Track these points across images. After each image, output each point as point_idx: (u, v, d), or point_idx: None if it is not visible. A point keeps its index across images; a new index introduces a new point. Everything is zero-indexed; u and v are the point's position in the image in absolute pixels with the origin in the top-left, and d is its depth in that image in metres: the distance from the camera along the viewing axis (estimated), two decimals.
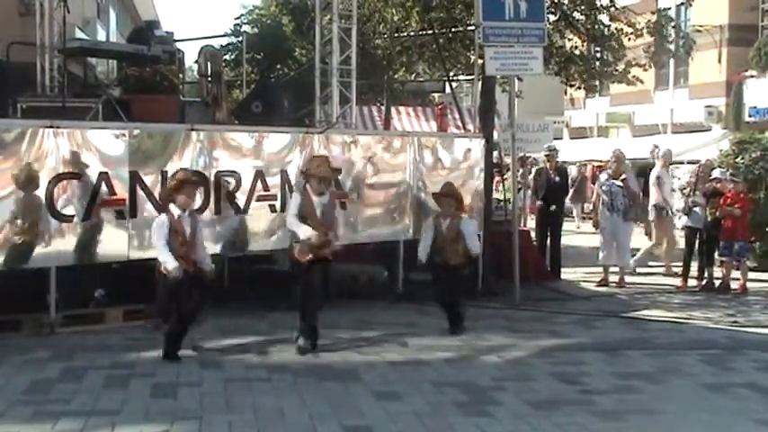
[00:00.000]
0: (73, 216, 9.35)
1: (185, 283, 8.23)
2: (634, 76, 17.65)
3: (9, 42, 12.87)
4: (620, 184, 14.11)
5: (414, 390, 7.56)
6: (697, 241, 14.17)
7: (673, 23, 19.09)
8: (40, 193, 9.12)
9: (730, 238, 13.66)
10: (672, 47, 18.21)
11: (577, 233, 21.52)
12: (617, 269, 14.34)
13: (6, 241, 8.95)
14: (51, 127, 9.26)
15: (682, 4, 33.28)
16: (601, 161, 23.16)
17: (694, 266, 14.35)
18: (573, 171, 27.58)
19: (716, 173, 14.70)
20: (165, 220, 8.31)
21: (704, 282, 14.05)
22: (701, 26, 30.71)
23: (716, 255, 13.97)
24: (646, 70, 17.95)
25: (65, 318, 9.48)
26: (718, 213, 13.80)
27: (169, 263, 8.10)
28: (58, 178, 9.24)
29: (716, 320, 11.55)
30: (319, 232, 8.85)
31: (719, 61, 32.08)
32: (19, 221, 9.00)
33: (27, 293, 9.49)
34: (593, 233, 15.97)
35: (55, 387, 7.35)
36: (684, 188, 15.72)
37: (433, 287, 10.35)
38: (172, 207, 8.34)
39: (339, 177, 11.17)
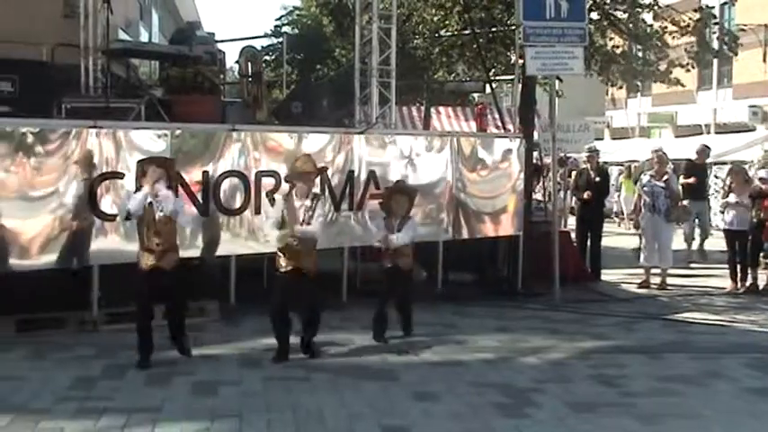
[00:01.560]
0: (115, 215, 9.45)
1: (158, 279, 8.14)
2: (675, 78, 17.49)
3: (54, 44, 13.03)
4: (663, 184, 13.98)
5: (452, 390, 7.56)
6: (737, 243, 14.02)
7: (716, 21, 18.89)
8: (84, 192, 9.23)
9: None
10: (716, 45, 18.03)
11: (618, 234, 21.33)
12: (658, 271, 14.21)
13: (51, 240, 9.07)
14: (95, 127, 9.39)
15: (725, 3, 32.88)
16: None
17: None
18: (614, 172, 27.44)
19: (762, 173, 14.50)
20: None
21: (748, 284, 13.89)
22: (744, 25, 30.34)
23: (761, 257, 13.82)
24: (688, 71, 17.79)
25: (107, 315, 9.59)
26: (762, 215, 13.63)
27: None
28: (101, 178, 9.35)
29: (760, 323, 11.40)
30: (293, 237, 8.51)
31: (764, 60, 31.57)
32: (64, 220, 9.12)
33: (70, 291, 9.61)
34: (634, 234, 15.84)
35: (98, 384, 7.45)
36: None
37: (385, 293, 9.64)
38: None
39: (377, 176, 11.19)
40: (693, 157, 17.16)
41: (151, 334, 8.17)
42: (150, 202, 8.02)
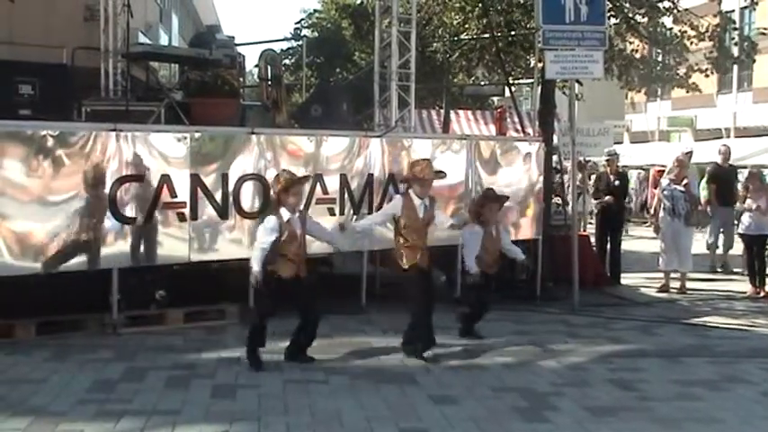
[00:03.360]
0: (135, 218, 9.50)
1: (296, 286, 8.41)
2: (694, 83, 17.42)
3: (74, 47, 13.11)
4: (683, 189, 13.95)
5: (471, 394, 7.55)
6: (755, 247, 13.96)
7: (735, 26, 18.80)
8: (104, 195, 9.28)
9: None
10: (735, 51, 17.94)
11: (637, 238, 21.26)
12: (678, 275, 14.16)
13: (71, 243, 9.12)
14: (115, 130, 9.42)
15: (746, 7, 32.72)
16: (663, 166, 22.84)
17: None
18: (633, 176, 27.33)
19: None
20: (275, 223, 8.24)
21: (764, 289, 13.83)
22: (765, 29, 30.16)
23: None
24: (707, 76, 17.71)
25: (127, 318, 9.64)
26: None
27: (256, 268, 8.15)
28: (120, 180, 9.40)
29: None
30: (422, 235, 8.92)
31: None
32: (83, 223, 9.17)
33: (90, 294, 9.67)
34: (653, 238, 15.78)
35: (117, 386, 7.47)
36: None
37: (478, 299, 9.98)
38: (282, 210, 8.32)
39: (397, 180, 11.20)
40: (719, 160, 16.92)
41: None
42: (288, 219, 8.27)
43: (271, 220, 8.26)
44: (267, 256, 8.15)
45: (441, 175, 9.48)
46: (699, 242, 15.78)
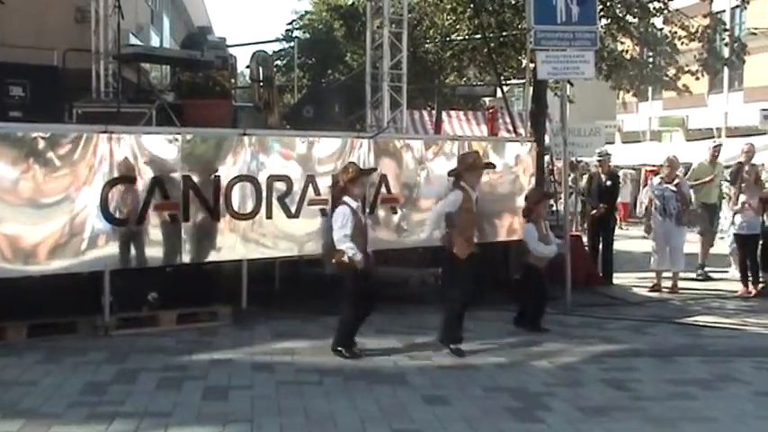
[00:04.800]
0: (127, 220, 9.48)
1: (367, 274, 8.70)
2: (684, 85, 17.46)
3: (65, 49, 13.08)
4: (674, 188, 13.98)
5: (464, 394, 7.55)
6: (748, 247, 13.99)
7: (726, 28, 18.84)
8: (96, 197, 9.26)
9: None
10: (726, 52, 17.98)
11: (629, 238, 21.30)
12: (670, 274, 14.19)
13: (62, 245, 9.10)
14: (106, 132, 9.41)
15: (736, 6, 32.79)
16: (653, 166, 22.95)
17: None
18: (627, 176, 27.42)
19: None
20: (347, 211, 8.57)
21: (759, 287, 13.86)
22: (756, 29, 30.25)
23: None
24: (698, 79, 17.75)
25: (119, 320, 9.61)
26: None
27: (355, 253, 8.47)
28: (112, 182, 9.38)
29: None
30: (474, 226, 9.33)
31: None
32: (75, 225, 9.15)
33: (82, 296, 9.64)
34: (644, 237, 15.81)
35: (109, 389, 7.45)
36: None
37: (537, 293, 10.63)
38: (348, 199, 8.64)
39: (389, 180, 11.22)
40: (742, 158, 16.82)
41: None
42: (356, 209, 8.66)
43: (343, 209, 8.62)
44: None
45: (490, 166, 9.94)
46: (692, 244, 15.78)
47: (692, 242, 15.67)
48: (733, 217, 14.40)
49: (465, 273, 9.15)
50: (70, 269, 9.22)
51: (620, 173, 27.69)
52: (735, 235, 14.45)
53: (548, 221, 10.84)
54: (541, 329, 10.34)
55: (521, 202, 12.39)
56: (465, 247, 9.07)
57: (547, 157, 14.56)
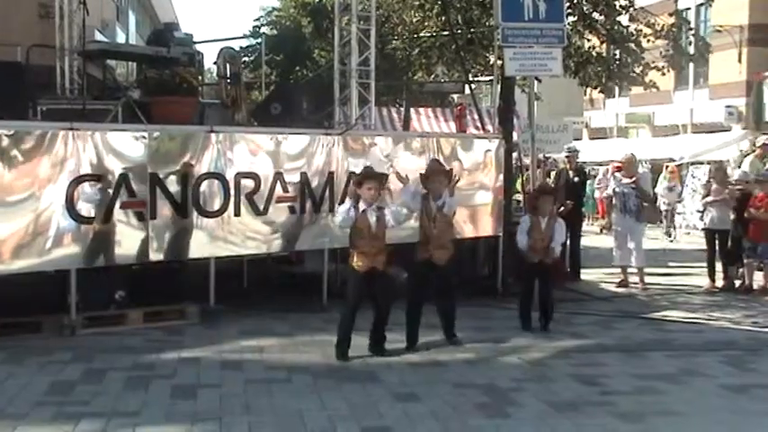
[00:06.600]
0: (93, 218, 9.39)
1: (371, 279, 8.71)
2: (651, 81, 17.58)
3: (29, 45, 12.94)
4: (633, 185, 14.06)
5: (433, 391, 7.55)
6: (717, 242, 14.12)
7: (690, 26, 19.02)
8: (61, 195, 9.16)
9: (755, 240, 13.60)
10: (691, 49, 18.11)
11: (597, 234, 21.42)
12: (636, 270, 14.27)
13: (27, 244, 9.00)
14: (71, 129, 9.31)
15: (701, 4, 33.05)
16: (621, 162, 23.08)
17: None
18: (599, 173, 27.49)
19: (738, 173, 14.56)
20: (348, 204, 8.81)
21: (725, 282, 13.99)
22: (720, 26, 30.54)
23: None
24: (663, 74, 17.88)
25: (85, 319, 9.53)
26: (746, 215, 13.70)
27: (344, 206, 8.85)
28: (77, 180, 9.29)
29: (736, 321, 11.47)
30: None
31: (739, 61, 31.78)
32: (40, 223, 9.05)
33: (48, 295, 9.55)
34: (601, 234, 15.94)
35: (76, 388, 7.38)
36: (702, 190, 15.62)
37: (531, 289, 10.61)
38: (360, 201, 8.76)
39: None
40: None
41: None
42: (364, 210, 8.74)
43: (345, 204, 8.89)
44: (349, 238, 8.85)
45: (449, 173, 9.81)
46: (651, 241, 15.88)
47: (651, 238, 15.78)
48: (702, 213, 14.51)
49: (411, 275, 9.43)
50: (35, 268, 9.13)
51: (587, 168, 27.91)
52: (704, 230, 14.58)
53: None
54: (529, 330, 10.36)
55: (488, 199, 12.46)
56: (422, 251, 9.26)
57: (515, 154, 14.55)
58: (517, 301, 10.77)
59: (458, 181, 9.95)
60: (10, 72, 12.28)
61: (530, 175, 13.29)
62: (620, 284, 14.22)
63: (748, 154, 16.64)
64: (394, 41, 20.25)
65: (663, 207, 24.37)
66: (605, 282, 14.64)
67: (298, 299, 11.19)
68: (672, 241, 22.53)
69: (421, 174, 9.55)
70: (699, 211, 14.61)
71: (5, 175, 8.85)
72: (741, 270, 14.02)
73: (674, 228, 23.81)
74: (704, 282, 14.18)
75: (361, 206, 8.74)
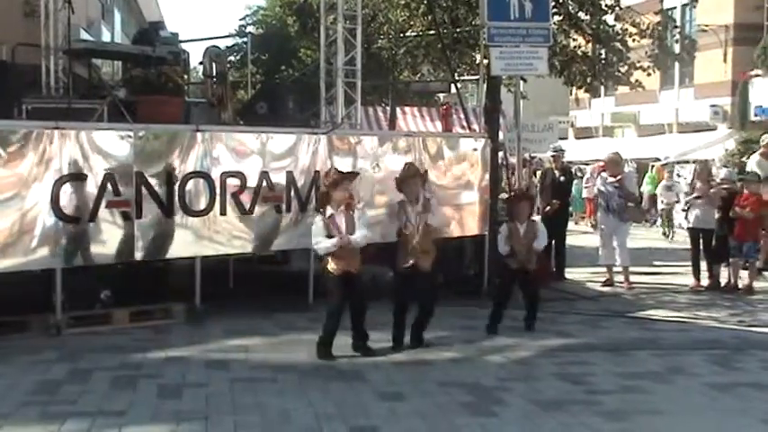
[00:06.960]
0: (78, 217, 9.36)
1: (348, 281, 8.71)
2: (636, 80, 17.64)
3: (14, 44, 12.89)
4: (617, 184, 14.09)
5: (419, 390, 7.56)
6: (701, 241, 14.19)
7: (676, 25, 19.08)
8: (46, 194, 9.13)
9: (740, 239, 13.68)
10: (677, 49, 18.18)
11: (583, 233, 21.48)
12: (620, 269, 14.31)
13: (12, 243, 8.97)
14: (57, 128, 9.28)
15: (686, 4, 33.21)
16: (604, 161, 23.20)
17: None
18: (587, 172, 27.57)
19: (723, 173, 14.64)
20: (321, 223, 8.73)
21: (710, 281, 14.06)
22: (706, 25, 30.68)
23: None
24: (649, 75, 17.95)
25: (71, 319, 9.50)
26: (731, 214, 13.77)
27: (325, 244, 8.65)
28: (63, 179, 9.25)
29: (722, 320, 11.53)
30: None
31: (725, 61, 31.95)
32: (25, 222, 9.01)
33: (33, 294, 9.52)
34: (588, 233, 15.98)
35: (61, 388, 7.36)
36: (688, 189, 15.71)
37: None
38: (328, 207, 8.73)
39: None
40: None
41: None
42: (331, 215, 8.70)
43: (318, 222, 8.78)
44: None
45: (423, 175, 9.94)
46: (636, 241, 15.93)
47: (635, 237, 15.83)
48: (686, 212, 14.58)
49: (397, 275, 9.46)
50: (21, 267, 9.09)
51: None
52: (689, 229, 14.64)
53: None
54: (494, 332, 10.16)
55: (474, 198, 12.47)
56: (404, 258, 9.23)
57: (501, 153, 14.58)
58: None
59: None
60: None
61: (514, 175, 13.32)
62: (605, 283, 14.26)
63: (735, 153, 16.72)
64: (380, 40, 20.23)
65: (661, 206, 24.52)
66: (591, 281, 14.68)
67: (284, 298, 11.18)
68: (671, 241, 22.63)
69: (396, 178, 9.46)
70: (683, 210, 14.63)
71: None
72: (727, 268, 14.09)
73: (672, 227, 23.83)
74: (690, 281, 14.24)
75: (329, 211, 8.72)
